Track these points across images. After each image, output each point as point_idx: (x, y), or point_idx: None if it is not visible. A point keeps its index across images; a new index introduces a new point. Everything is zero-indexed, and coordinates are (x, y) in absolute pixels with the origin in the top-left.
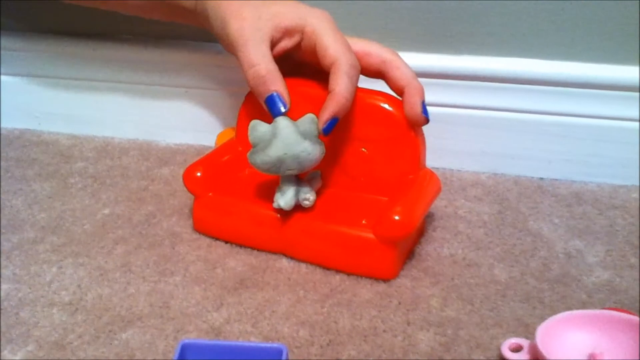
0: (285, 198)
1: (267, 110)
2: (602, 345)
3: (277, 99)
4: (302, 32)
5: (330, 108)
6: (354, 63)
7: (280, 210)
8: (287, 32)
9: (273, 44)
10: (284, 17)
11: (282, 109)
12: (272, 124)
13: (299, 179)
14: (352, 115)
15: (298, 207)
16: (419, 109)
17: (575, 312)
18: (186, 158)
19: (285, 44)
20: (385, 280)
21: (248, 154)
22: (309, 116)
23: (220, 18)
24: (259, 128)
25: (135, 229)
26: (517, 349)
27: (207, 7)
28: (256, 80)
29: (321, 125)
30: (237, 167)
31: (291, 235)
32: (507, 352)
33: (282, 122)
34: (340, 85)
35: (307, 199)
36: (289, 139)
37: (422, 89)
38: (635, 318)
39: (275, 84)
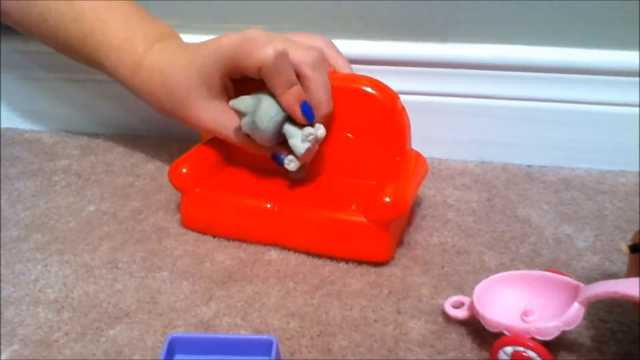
0: (295, 137)
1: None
2: (534, 302)
3: (278, 156)
4: (229, 73)
5: (286, 105)
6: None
7: (271, 201)
8: (225, 84)
9: (228, 97)
10: (213, 80)
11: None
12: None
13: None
14: (335, 101)
15: (289, 196)
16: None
17: (511, 272)
18: (172, 153)
19: (231, 88)
20: (380, 263)
21: (244, 125)
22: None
23: (180, 122)
24: (243, 100)
25: (121, 225)
26: (458, 305)
27: (149, 103)
28: (253, 151)
29: (298, 117)
30: (223, 162)
31: (283, 225)
32: (449, 308)
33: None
34: (277, 94)
35: (319, 127)
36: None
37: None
38: (566, 278)
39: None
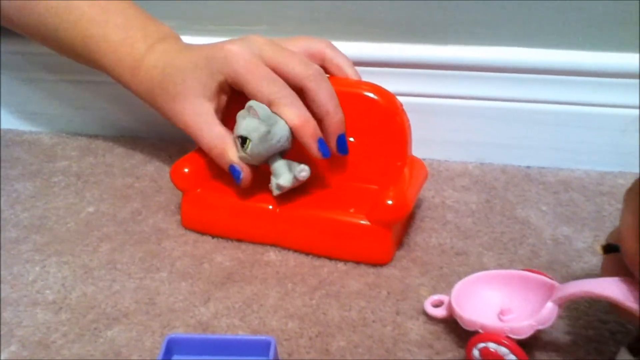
0: (283, 176)
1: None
2: (512, 301)
3: (235, 168)
4: (227, 83)
5: (304, 142)
6: (286, 89)
7: (273, 202)
8: (219, 93)
9: (216, 108)
10: (210, 84)
11: (240, 175)
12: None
13: (288, 160)
14: None
15: (290, 198)
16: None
17: (490, 271)
18: (171, 155)
19: (223, 100)
20: (380, 265)
21: (251, 131)
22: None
23: (165, 117)
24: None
25: (120, 226)
26: (438, 304)
27: (143, 99)
28: (217, 159)
29: (317, 155)
30: None
31: (285, 227)
32: (428, 307)
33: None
34: (289, 120)
35: (304, 170)
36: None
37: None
38: (543, 277)
39: (231, 157)
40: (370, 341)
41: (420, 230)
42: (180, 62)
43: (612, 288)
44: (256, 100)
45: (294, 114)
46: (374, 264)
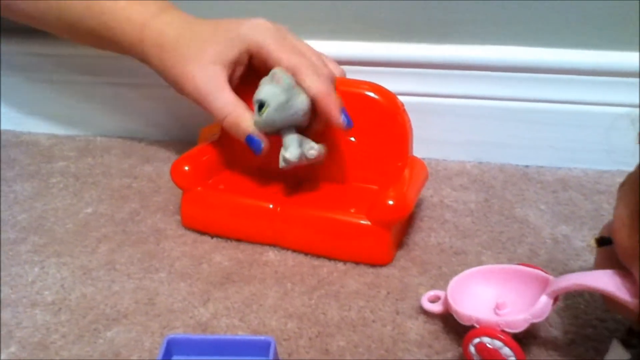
0: (290, 150)
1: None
2: (507, 296)
3: (253, 139)
4: (248, 53)
5: (329, 110)
6: (310, 61)
7: (274, 201)
8: (237, 63)
9: (230, 78)
10: (228, 51)
11: (261, 146)
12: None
13: (301, 134)
14: None
15: (291, 197)
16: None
17: (486, 266)
18: (169, 155)
19: (239, 71)
20: (380, 265)
21: (270, 97)
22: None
23: (171, 80)
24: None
25: (118, 227)
26: (435, 300)
27: (149, 59)
28: (231, 128)
29: (339, 124)
30: (224, 162)
31: (285, 226)
32: (425, 302)
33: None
34: (314, 86)
35: (313, 148)
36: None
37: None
38: (538, 271)
39: (248, 126)
40: (369, 341)
41: (419, 229)
42: (199, 28)
43: (604, 280)
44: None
45: (318, 82)
46: (373, 264)
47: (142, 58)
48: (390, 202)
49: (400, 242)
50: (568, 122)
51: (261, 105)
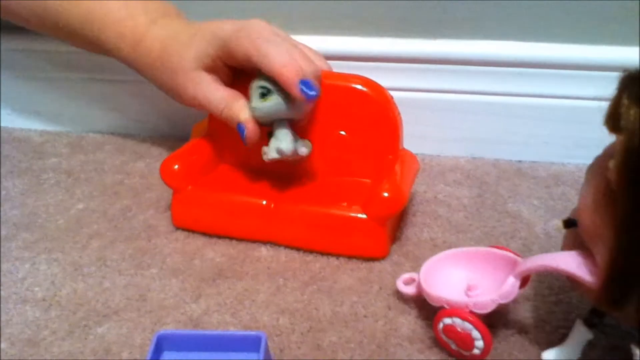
0: (285, 142)
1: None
2: (479, 278)
3: (241, 127)
4: (223, 50)
5: (285, 79)
6: (282, 46)
7: (267, 197)
8: (217, 59)
9: (217, 72)
10: (204, 51)
11: (244, 134)
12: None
13: (294, 132)
14: (328, 99)
15: (283, 193)
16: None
17: (458, 249)
18: (162, 151)
19: (225, 71)
20: (371, 259)
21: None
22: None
23: (170, 95)
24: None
25: (110, 223)
26: (410, 282)
27: (145, 76)
28: (228, 119)
29: (298, 94)
30: (215, 159)
31: (280, 222)
32: (400, 285)
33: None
34: (272, 61)
35: (305, 145)
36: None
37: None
38: (508, 253)
39: (239, 116)
40: (361, 336)
41: (412, 224)
42: (181, 36)
43: (566, 261)
44: (239, 59)
45: (279, 55)
46: (366, 259)
47: (141, 74)
48: (386, 195)
49: (394, 237)
50: (562, 117)
51: (264, 93)
